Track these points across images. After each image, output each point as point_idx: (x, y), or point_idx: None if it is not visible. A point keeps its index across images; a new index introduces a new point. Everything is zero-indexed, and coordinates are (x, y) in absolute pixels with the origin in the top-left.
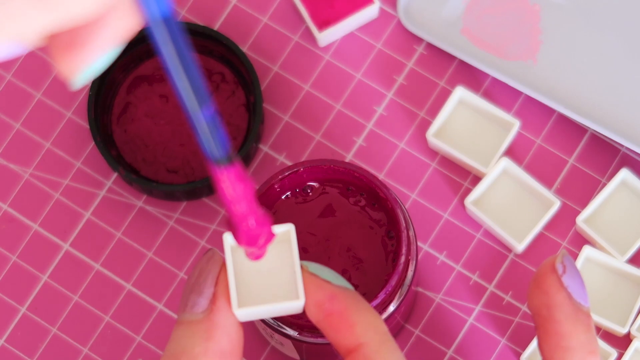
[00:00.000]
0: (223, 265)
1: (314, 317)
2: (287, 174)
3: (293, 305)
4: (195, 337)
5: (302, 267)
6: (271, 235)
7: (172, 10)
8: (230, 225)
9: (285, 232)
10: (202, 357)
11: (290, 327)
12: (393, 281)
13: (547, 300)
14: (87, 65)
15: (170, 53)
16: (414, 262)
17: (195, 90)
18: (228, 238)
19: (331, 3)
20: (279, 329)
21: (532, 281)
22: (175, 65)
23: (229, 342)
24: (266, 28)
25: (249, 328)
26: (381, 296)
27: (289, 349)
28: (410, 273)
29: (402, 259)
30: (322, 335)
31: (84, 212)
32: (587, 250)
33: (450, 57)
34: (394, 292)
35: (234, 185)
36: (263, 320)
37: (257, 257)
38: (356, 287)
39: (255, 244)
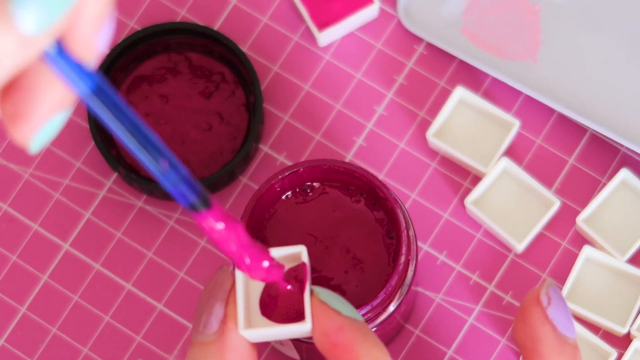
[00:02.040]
0: (233, 284)
1: (319, 345)
2: (287, 174)
3: (301, 329)
4: (207, 358)
5: (312, 293)
6: (279, 267)
7: (98, 78)
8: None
9: (297, 254)
10: None
11: None
12: (393, 281)
13: (532, 334)
14: (35, 133)
15: (112, 120)
16: (414, 262)
17: (146, 147)
18: None
19: (331, 3)
20: None
21: (518, 313)
22: (120, 130)
23: None
24: (266, 28)
25: None
26: (381, 296)
27: (289, 349)
28: (410, 273)
29: (402, 259)
30: None
31: (84, 212)
32: (587, 250)
33: (450, 57)
34: (394, 292)
35: (216, 228)
36: None
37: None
38: (356, 287)
39: (261, 277)
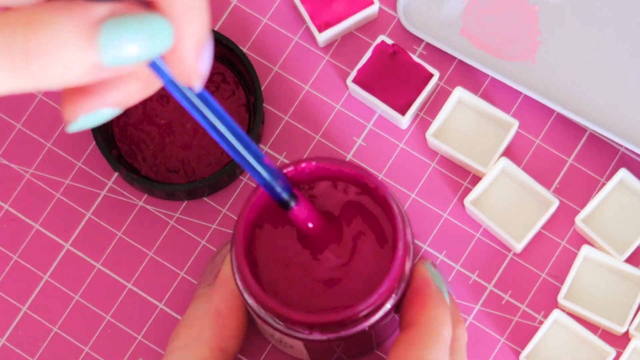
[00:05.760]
0: (232, 248)
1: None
2: (288, 170)
3: None
4: (200, 303)
5: (421, 264)
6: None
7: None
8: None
9: None
10: (203, 317)
11: (301, 327)
12: (390, 278)
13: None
14: (85, 113)
15: (216, 124)
16: (411, 259)
17: (249, 149)
18: None
19: (331, 3)
20: (287, 331)
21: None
22: (225, 135)
23: (226, 307)
24: (266, 28)
25: (249, 328)
26: (378, 293)
27: (298, 352)
28: (407, 271)
29: (399, 256)
30: (334, 332)
31: (85, 211)
32: (586, 250)
33: (450, 58)
34: (391, 289)
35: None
36: (272, 326)
37: None
38: (353, 284)
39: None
